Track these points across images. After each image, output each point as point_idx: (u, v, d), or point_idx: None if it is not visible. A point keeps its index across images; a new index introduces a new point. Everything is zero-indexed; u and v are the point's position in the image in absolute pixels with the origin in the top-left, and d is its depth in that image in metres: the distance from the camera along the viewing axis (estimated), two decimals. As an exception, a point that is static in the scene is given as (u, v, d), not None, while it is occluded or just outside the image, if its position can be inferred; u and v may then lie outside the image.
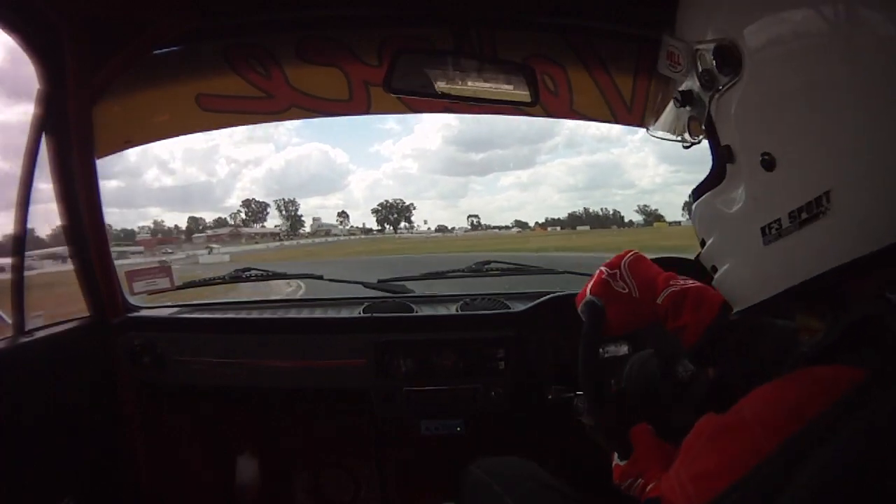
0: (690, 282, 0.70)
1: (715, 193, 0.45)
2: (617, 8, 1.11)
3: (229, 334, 1.25)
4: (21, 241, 1.03)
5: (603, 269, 0.72)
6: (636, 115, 1.38)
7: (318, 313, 1.38)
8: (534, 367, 1.20)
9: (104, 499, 1.18)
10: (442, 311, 1.39)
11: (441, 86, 1.09)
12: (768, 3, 0.39)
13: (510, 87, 1.11)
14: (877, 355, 0.34)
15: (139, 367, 1.18)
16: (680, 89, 0.47)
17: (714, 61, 0.41)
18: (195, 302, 1.44)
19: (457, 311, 1.36)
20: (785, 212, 0.39)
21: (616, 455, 0.66)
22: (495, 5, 1.14)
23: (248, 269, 1.47)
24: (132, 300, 1.28)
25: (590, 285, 0.72)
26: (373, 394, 1.23)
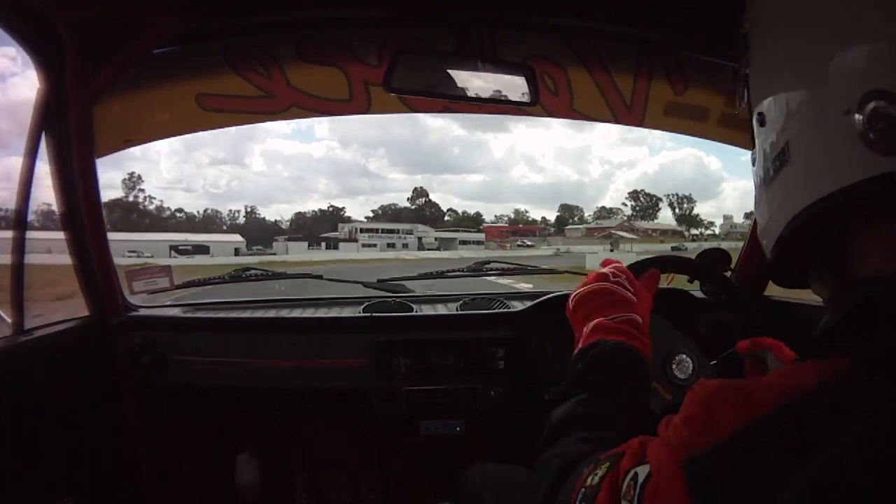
0: None
1: (752, 157, 0.52)
2: (617, 8, 1.11)
3: (229, 334, 1.26)
4: (21, 239, 1.03)
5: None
6: (636, 115, 1.38)
7: (318, 313, 1.38)
8: (533, 367, 1.20)
9: (104, 499, 1.18)
10: (442, 310, 1.39)
11: (441, 85, 1.09)
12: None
13: (510, 86, 1.11)
14: (875, 341, 0.34)
15: (139, 366, 1.18)
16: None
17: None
18: (195, 301, 1.45)
19: (457, 310, 1.36)
20: (770, 161, 0.45)
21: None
22: (495, 5, 1.14)
23: (248, 269, 1.47)
24: (132, 300, 1.28)
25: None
26: (373, 394, 1.23)
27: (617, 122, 1.40)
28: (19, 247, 1.03)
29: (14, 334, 1.01)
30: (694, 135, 1.42)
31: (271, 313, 1.38)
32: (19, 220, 1.04)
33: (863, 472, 0.27)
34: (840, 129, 0.37)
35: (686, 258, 0.97)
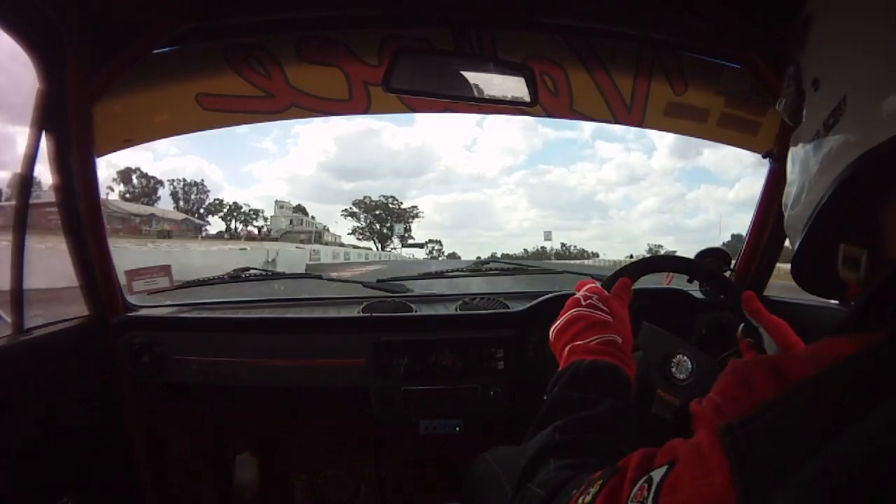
0: None
1: (793, 137, 0.51)
2: (617, 8, 1.11)
3: (228, 333, 1.26)
4: (21, 239, 1.04)
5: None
6: (636, 115, 1.39)
7: (317, 313, 1.38)
8: (533, 367, 1.20)
9: (103, 499, 1.18)
10: (441, 310, 1.39)
11: (440, 85, 1.09)
12: None
13: (510, 87, 1.11)
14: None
15: (138, 366, 1.18)
16: None
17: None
18: (194, 301, 1.45)
19: (456, 310, 1.36)
20: (821, 122, 0.44)
21: None
22: (495, 6, 1.14)
23: (248, 269, 1.48)
24: (131, 299, 1.28)
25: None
26: (372, 393, 1.23)
27: (617, 122, 1.40)
28: (19, 247, 1.03)
29: (13, 334, 1.01)
30: (694, 135, 1.42)
31: (270, 313, 1.38)
32: (19, 220, 1.04)
33: (879, 461, 0.26)
34: None
35: (685, 258, 0.97)
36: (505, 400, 1.23)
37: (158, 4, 1.01)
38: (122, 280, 1.26)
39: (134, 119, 1.25)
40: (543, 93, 1.30)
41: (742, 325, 0.80)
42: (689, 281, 1.00)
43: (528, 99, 1.10)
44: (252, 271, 1.46)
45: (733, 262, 1.29)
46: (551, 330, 0.65)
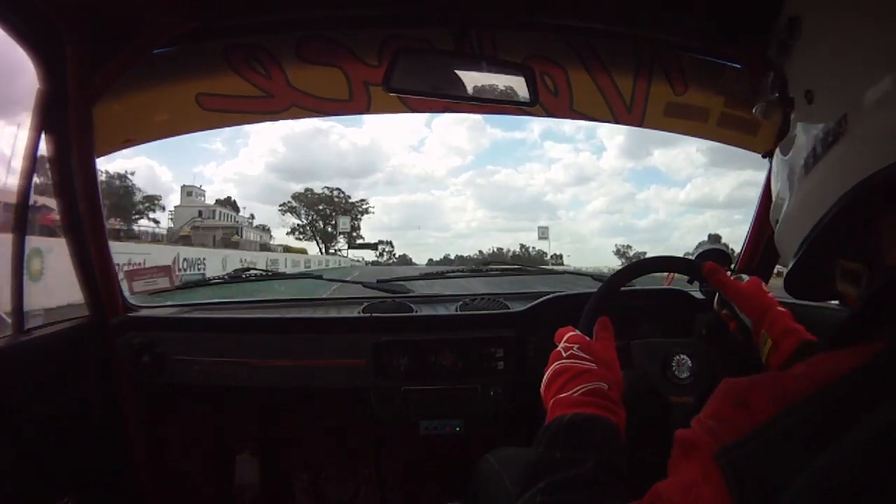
0: None
1: (781, 146, 0.50)
2: (617, 8, 1.11)
3: (229, 334, 1.25)
4: (20, 239, 1.04)
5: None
6: (636, 115, 1.39)
7: (317, 313, 1.38)
8: (533, 367, 1.20)
9: (103, 499, 1.18)
10: (441, 311, 1.39)
11: (441, 85, 1.09)
12: None
13: (510, 86, 1.11)
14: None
15: (138, 366, 1.18)
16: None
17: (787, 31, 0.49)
18: (195, 301, 1.45)
19: (456, 311, 1.36)
20: (817, 138, 0.43)
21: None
22: (495, 6, 1.14)
23: (248, 270, 1.48)
24: (132, 299, 1.28)
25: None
26: (372, 394, 1.23)
27: (617, 122, 1.40)
28: (19, 247, 1.03)
29: (14, 334, 1.01)
30: (694, 135, 1.42)
31: (271, 313, 1.38)
32: (19, 220, 1.04)
33: (879, 461, 0.26)
34: None
35: (685, 259, 0.97)
36: (505, 400, 1.23)
37: (158, 4, 1.01)
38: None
39: (134, 119, 1.25)
40: (543, 93, 1.30)
41: (717, 295, 0.81)
42: (689, 281, 1.00)
43: (528, 99, 1.10)
44: (252, 272, 1.46)
45: (733, 263, 1.29)
46: (542, 387, 0.64)
